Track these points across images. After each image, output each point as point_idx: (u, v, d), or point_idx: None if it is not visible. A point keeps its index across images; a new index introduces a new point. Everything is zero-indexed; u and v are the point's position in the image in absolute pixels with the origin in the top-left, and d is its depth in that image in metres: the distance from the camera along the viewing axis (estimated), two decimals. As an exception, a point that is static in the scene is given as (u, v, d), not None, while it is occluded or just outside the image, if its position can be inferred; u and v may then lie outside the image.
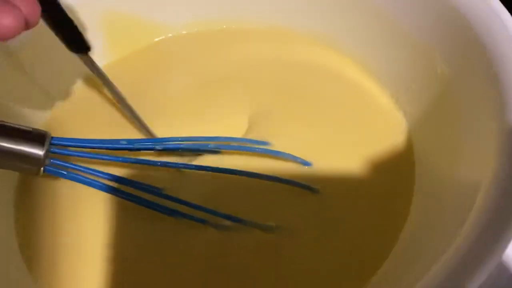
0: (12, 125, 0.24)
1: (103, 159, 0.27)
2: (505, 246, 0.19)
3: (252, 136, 0.31)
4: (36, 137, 0.24)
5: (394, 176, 0.30)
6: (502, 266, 0.21)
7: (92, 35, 0.29)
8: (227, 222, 0.27)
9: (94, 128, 0.33)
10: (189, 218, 0.27)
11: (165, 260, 0.27)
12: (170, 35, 0.38)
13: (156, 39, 0.38)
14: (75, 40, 0.26)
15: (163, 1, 0.36)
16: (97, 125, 0.33)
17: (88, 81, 0.35)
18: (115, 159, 0.27)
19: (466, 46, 0.26)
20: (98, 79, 0.29)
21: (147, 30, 0.37)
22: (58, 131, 0.31)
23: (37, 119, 0.33)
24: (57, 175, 0.25)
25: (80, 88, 0.35)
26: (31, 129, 0.25)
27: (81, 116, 0.34)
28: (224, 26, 0.38)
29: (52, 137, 0.25)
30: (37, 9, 0.21)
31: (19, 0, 0.20)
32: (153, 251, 0.28)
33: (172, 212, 0.27)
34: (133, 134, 0.32)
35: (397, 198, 0.29)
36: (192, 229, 0.28)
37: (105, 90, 0.32)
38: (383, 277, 0.25)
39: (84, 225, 0.29)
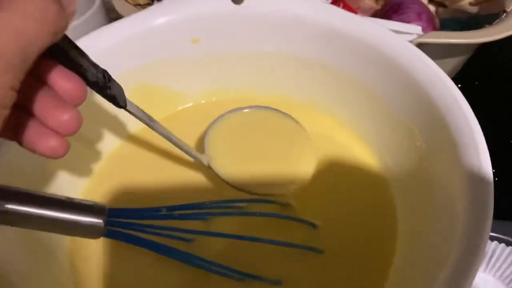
0: (78, 200, 0.30)
1: (146, 231, 0.33)
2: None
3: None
4: (98, 210, 0.30)
5: (382, 226, 0.36)
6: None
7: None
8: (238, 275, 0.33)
9: (137, 183, 0.39)
10: (214, 272, 0.33)
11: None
12: (191, 104, 0.45)
13: (179, 108, 0.44)
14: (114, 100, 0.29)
15: (184, 74, 0.43)
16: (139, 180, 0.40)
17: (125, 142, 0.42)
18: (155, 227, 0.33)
19: (437, 127, 0.33)
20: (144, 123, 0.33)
21: (171, 100, 0.44)
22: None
23: (87, 178, 0.40)
24: (112, 238, 0.31)
25: (117, 149, 0.42)
26: (93, 204, 0.31)
27: (124, 171, 0.40)
28: (236, 95, 0.45)
29: (108, 209, 0.31)
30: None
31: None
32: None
33: (200, 266, 0.33)
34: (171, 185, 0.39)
35: (384, 241, 0.35)
36: (215, 278, 0.34)
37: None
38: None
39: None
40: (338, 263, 0.35)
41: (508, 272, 0.38)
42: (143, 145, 0.42)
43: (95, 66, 0.27)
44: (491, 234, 0.38)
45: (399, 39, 0.37)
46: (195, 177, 0.40)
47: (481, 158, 0.29)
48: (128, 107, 0.31)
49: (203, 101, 0.45)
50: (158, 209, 0.33)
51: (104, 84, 0.27)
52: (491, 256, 0.38)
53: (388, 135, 0.39)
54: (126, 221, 0.32)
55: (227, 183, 0.37)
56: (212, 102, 0.45)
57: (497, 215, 0.41)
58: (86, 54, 0.26)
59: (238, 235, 0.34)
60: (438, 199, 0.32)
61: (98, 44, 0.37)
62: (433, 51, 0.43)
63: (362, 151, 0.41)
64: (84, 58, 0.26)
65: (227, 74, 0.44)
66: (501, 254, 0.38)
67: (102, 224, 0.30)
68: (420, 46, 0.40)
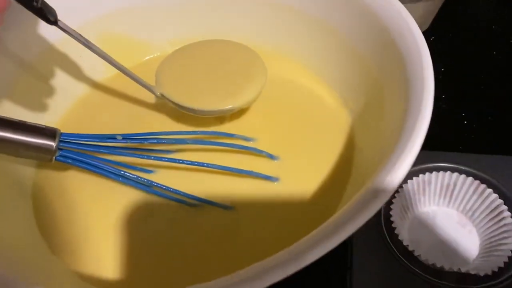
0: (30, 123, 0.31)
1: (101, 151, 0.34)
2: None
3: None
4: (49, 132, 0.31)
5: (339, 158, 0.37)
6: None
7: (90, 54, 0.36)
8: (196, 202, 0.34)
9: (102, 124, 0.40)
10: (171, 198, 0.34)
11: (151, 228, 0.34)
12: (158, 54, 0.45)
13: (146, 58, 0.45)
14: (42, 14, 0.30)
15: (149, 22, 0.44)
16: (105, 122, 0.41)
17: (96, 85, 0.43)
18: (112, 152, 0.34)
19: (391, 57, 0.33)
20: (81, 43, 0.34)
21: (138, 49, 0.44)
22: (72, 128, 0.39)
23: (54, 117, 0.41)
24: (65, 162, 0.32)
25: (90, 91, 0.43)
26: (44, 127, 0.32)
27: (91, 114, 0.42)
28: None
29: (61, 133, 0.32)
30: None
31: None
32: (139, 223, 0.34)
33: (158, 193, 0.34)
34: (135, 127, 0.39)
35: (340, 172, 0.36)
36: (173, 206, 0.35)
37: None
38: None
39: (89, 207, 0.36)
40: (293, 190, 0.35)
41: (469, 204, 0.38)
42: (111, 91, 0.43)
43: None
44: (452, 165, 0.38)
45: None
46: (165, 121, 0.41)
47: (425, 91, 0.29)
48: (60, 24, 0.32)
49: (170, 51, 0.45)
50: (112, 136, 0.33)
51: None
52: (453, 189, 0.38)
53: (349, 73, 0.39)
54: (79, 148, 0.33)
55: (179, 106, 0.37)
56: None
57: (458, 148, 0.41)
58: None
59: (199, 162, 0.35)
60: (388, 127, 0.32)
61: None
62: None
63: (325, 92, 0.41)
64: None
65: (192, 22, 0.44)
66: (462, 185, 0.38)
67: (53, 147, 0.31)
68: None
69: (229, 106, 0.36)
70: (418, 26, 0.50)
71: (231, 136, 0.37)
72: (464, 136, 0.45)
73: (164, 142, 0.35)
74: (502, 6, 0.58)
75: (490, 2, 0.59)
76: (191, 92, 0.37)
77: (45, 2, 0.30)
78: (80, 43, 0.34)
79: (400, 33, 0.33)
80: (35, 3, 0.29)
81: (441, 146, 0.40)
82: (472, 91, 0.49)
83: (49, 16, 0.31)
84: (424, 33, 0.51)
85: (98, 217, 0.35)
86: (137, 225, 0.34)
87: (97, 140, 0.33)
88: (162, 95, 0.37)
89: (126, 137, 0.34)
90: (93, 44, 0.34)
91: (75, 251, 0.34)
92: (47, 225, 0.35)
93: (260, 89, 0.37)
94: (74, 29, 0.33)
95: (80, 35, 0.34)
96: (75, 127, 0.39)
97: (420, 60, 0.30)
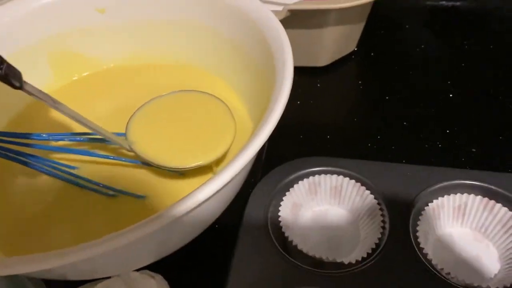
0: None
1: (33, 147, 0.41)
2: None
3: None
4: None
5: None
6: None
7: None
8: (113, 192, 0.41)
9: None
10: (90, 189, 0.41)
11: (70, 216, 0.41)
12: (104, 67, 0.52)
13: (87, 72, 0.52)
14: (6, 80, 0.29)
15: (94, 40, 0.50)
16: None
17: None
18: (42, 148, 0.41)
19: (272, 66, 0.39)
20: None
21: (82, 64, 0.52)
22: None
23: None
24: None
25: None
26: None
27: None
28: (142, 62, 0.53)
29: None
30: None
31: None
32: (60, 208, 0.41)
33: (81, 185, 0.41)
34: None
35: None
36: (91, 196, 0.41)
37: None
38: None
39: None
40: (195, 182, 0.41)
41: (355, 204, 0.43)
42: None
43: None
44: (339, 169, 0.43)
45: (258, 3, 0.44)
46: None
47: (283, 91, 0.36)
48: (27, 88, 0.31)
49: (112, 65, 0.53)
50: (38, 134, 0.40)
51: None
52: (341, 190, 0.43)
53: (250, 84, 0.45)
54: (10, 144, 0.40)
55: (152, 163, 0.40)
56: (119, 66, 0.53)
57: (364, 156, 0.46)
58: None
59: (117, 156, 0.42)
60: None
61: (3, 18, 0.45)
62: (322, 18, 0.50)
63: (237, 103, 0.48)
64: None
65: (133, 41, 0.51)
66: (347, 187, 0.43)
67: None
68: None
69: (203, 163, 0.39)
70: (342, 47, 0.57)
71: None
72: (368, 146, 0.50)
73: (84, 140, 0.42)
74: (425, 30, 0.63)
75: (413, 27, 0.64)
76: (162, 148, 0.40)
77: (10, 66, 0.29)
78: (48, 104, 0.33)
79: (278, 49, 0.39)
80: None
81: (348, 154, 0.45)
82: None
83: (14, 81, 0.30)
84: (350, 54, 0.57)
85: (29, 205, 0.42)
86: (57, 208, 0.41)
87: (25, 137, 0.40)
88: (131, 148, 0.40)
89: (50, 135, 0.40)
90: (63, 105, 0.35)
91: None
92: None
93: (228, 145, 0.40)
94: (40, 89, 0.33)
95: (48, 95, 0.33)
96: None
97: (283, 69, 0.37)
